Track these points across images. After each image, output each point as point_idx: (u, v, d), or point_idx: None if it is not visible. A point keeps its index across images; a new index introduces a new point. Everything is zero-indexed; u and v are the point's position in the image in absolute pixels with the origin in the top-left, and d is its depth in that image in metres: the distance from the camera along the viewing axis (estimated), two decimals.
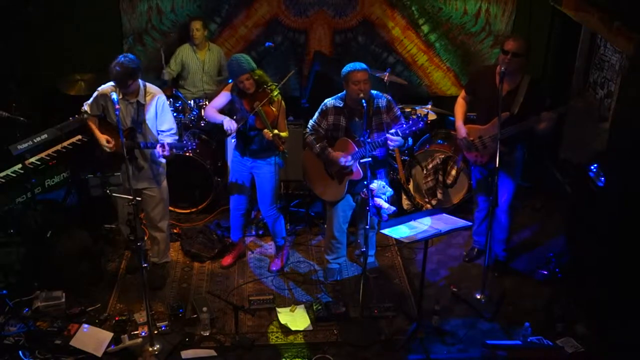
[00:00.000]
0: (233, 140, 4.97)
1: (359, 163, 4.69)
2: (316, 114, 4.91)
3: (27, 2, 6.39)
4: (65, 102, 5.80)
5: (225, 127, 4.77)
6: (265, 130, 4.68)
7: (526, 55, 4.75)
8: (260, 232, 5.87)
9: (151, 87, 4.77)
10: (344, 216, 5.05)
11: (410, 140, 4.88)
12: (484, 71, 5.27)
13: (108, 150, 4.71)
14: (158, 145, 4.58)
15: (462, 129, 5.07)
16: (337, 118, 4.80)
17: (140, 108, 4.70)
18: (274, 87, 4.80)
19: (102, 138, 4.73)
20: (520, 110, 4.81)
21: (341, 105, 4.79)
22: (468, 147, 5.08)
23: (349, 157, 4.73)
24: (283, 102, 4.85)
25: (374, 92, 4.78)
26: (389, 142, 4.59)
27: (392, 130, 4.59)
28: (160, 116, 4.77)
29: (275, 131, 4.68)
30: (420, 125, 4.51)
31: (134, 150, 4.73)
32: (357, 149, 4.70)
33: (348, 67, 4.66)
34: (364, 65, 4.65)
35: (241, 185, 5.14)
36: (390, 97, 4.83)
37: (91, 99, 4.80)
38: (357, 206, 5.04)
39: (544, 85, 6.31)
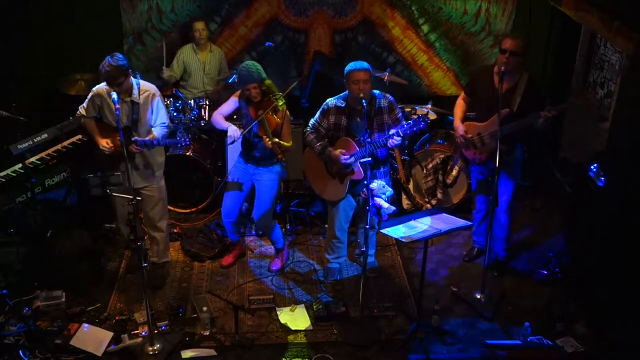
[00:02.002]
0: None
1: (360, 163, 4.69)
2: (318, 114, 4.90)
3: (27, 1, 6.39)
4: (65, 102, 5.80)
5: (229, 134, 4.77)
6: (266, 139, 4.68)
7: (525, 54, 4.76)
8: (260, 232, 5.87)
9: (145, 85, 4.78)
10: (346, 216, 5.05)
11: (406, 141, 4.88)
12: (484, 71, 5.27)
13: (107, 152, 4.72)
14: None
15: (460, 127, 5.08)
16: (339, 118, 4.80)
17: (135, 107, 4.71)
18: (280, 96, 4.80)
19: (103, 142, 4.73)
20: (519, 108, 4.82)
21: (343, 105, 4.79)
22: (467, 145, 5.09)
23: (350, 156, 4.72)
24: (288, 112, 4.85)
25: (376, 92, 4.78)
26: (389, 141, 4.59)
27: (393, 131, 4.59)
28: (154, 112, 4.79)
29: (276, 140, 4.67)
30: (422, 125, 4.51)
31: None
32: (358, 149, 4.70)
33: (350, 66, 4.66)
34: (366, 65, 4.64)
35: (238, 192, 5.11)
36: (392, 98, 4.83)
37: (86, 102, 4.81)
38: (358, 206, 5.04)
39: (543, 84, 6.30)
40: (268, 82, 4.76)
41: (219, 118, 4.90)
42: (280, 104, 4.76)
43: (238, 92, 4.91)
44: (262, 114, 4.68)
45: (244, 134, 4.81)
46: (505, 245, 5.35)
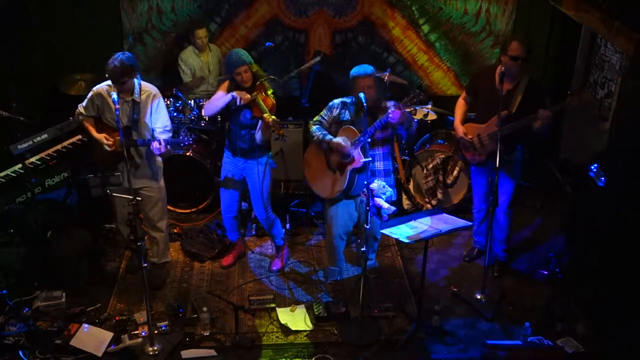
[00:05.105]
0: None
1: (362, 162, 4.67)
2: (324, 110, 4.91)
3: (27, 1, 6.39)
4: (65, 102, 5.79)
5: (236, 98, 4.67)
6: (265, 115, 4.63)
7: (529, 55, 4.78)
8: (260, 232, 5.86)
9: (146, 86, 4.78)
10: (345, 228, 5.02)
11: (413, 127, 4.85)
12: (485, 72, 5.26)
13: (108, 148, 4.71)
14: (155, 142, 4.59)
15: (459, 128, 5.09)
16: (343, 112, 4.82)
17: (136, 106, 4.71)
18: (269, 77, 4.82)
19: (101, 136, 4.73)
20: (518, 109, 4.82)
21: (349, 101, 4.82)
22: (466, 147, 5.10)
23: (351, 145, 4.72)
24: (274, 101, 4.83)
25: (379, 97, 4.80)
26: (389, 113, 4.54)
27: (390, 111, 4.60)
28: (154, 114, 4.78)
29: (273, 117, 4.66)
30: (415, 102, 4.55)
31: (130, 149, 4.73)
32: (359, 136, 4.67)
33: (354, 72, 4.66)
34: (369, 71, 4.64)
35: (232, 188, 5.11)
36: (396, 103, 4.84)
37: (86, 100, 4.81)
38: (357, 211, 5.01)
39: (543, 85, 6.29)
40: (255, 66, 4.76)
41: (210, 103, 4.87)
42: (270, 92, 4.77)
43: (225, 85, 4.90)
44: (256, 94, 4.67)
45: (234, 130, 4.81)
46: (505, 246, 5.35)
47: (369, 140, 4.61)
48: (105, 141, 4.70)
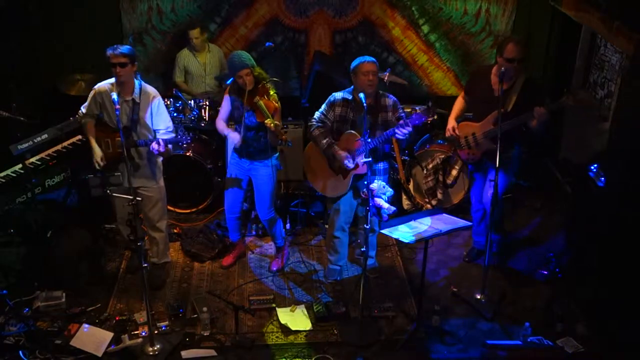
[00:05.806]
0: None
1: (363, 159, 4.67)
2: (323, 106, 4.90)
3: (27, 1, 6.39)
4: (65, 102, 5.80)
5: (230, 141, 4.86)
6: (267, 120, 4.64)
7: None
8: (260, 232, 5.87)
9: (147, 87, 4.79)
10: (346, 217, 5.04)
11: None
12: (482, 71, 5.26)
13: (98, 167, 4.73)
14: (154, 142, 4.60)
15: (449, 123, 5.11)
16: (345, 110, 4.81)
17: (136, 107, 4.72)
18: (271, 79, 4.84)
19: (98, 154, 4.74)
20: (513, 108, 4.82)
21: (350, 98, 4.80)
22: (459, 145, 5.09)
23: (353, 162, 4.74)
24: (279, 104, 4.84)
25: (380, 92, 4.80)
26: (397, 132, 4.57)
27: (401, 122, 4.59)
28: (155, 116, 4.78)
29: (277, 122, 4.67)
30: (423, 119, 4.52)
31: (130, 149, 4.74)
32: (362, 145, 4.68)
33: (358, 59, 4.68)
34: (373, 59, 4.68)
35: (237, 188, 5.12)
36: (395, 98, 4.85)
37: (88, 100, 4.81)
38: (359, 206, 5.03)
39: (541, 84, 6.30)
40: (258, 68, 4.77)
41: (220, 125, 4.96)
42: (272, 92, 4.78)
43: (227, 88, 4.91)
44: (258, 99, 4.68)
45: (240, 132, 4.84)
46: (498, 232, 5.34)
47: (369, 140, 4.62)
48: (99, 161, 4.73)
